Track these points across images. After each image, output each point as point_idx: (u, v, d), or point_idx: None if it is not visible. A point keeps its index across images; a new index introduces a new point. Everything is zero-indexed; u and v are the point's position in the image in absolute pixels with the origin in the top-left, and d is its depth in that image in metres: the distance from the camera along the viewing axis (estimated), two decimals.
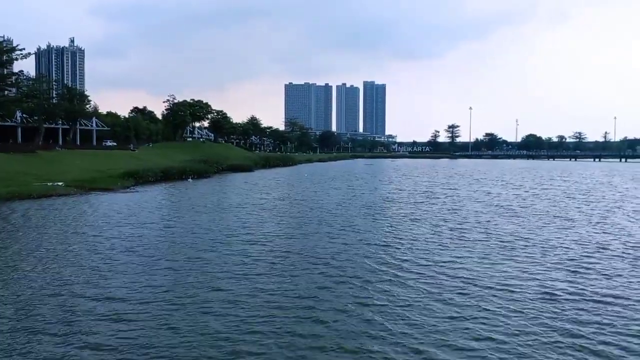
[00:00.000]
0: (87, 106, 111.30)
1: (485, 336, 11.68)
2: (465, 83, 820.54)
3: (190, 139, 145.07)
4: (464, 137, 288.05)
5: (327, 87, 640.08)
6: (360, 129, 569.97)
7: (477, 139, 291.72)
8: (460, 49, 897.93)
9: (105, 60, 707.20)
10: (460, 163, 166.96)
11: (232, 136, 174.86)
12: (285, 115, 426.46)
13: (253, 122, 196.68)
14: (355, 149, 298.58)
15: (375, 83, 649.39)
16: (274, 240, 23.33)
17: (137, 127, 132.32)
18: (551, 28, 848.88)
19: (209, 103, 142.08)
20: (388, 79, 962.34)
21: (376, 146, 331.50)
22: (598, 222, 29.32)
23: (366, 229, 26.98)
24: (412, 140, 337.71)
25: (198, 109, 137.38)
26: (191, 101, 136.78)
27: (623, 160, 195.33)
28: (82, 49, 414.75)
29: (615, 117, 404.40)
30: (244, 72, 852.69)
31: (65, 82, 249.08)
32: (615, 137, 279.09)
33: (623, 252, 20.70)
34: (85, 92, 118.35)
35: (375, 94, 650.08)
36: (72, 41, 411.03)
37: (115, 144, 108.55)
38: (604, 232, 25.77)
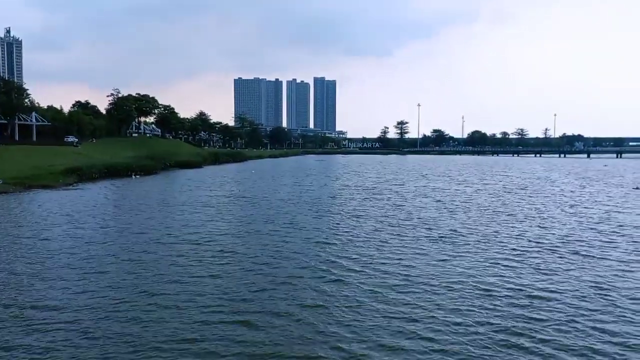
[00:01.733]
0: (26, 100, 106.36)
1: (422, 335, 11.85)
2: (413, 80, 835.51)
3: (136, 134, 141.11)
4: (412, 133, 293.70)
5: (278, 83, 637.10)
6: (311, 125, 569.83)
7: (425, 135, 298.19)
8: (409, 46, 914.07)
9: (45, 52, 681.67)
10: (408, 159, 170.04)
11: (180, 132, 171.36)
12: (234, 110, 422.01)
13: (202, 118, 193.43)
14: (306, 145, 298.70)
15: (326, 79, 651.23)
16: (216, 240, 22.96)
17: (79, 122, 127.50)
18: (494, 28, 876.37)
19: (156, 98, 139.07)
20: (338, 75, 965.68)
21: (327, 142, 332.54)
22: (535, 217, 30.38)
23: (310, 226, 26.98)
24: (362, 137, 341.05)
25: (144, 103, 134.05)
26: (137, 95, 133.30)
27: (562, 155, 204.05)
28: (20, 40, 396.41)
29: (555, 115, 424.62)
30: (192, 67, 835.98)
31: (2, 74, 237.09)
32: (555, 133, 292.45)
33: (556, 247, 21.45)
34: (24, 86, 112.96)
35: (326, 90, 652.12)
36: (8, 32, 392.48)
37: (77, 139, 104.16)
38: (539, 227, 26.67)
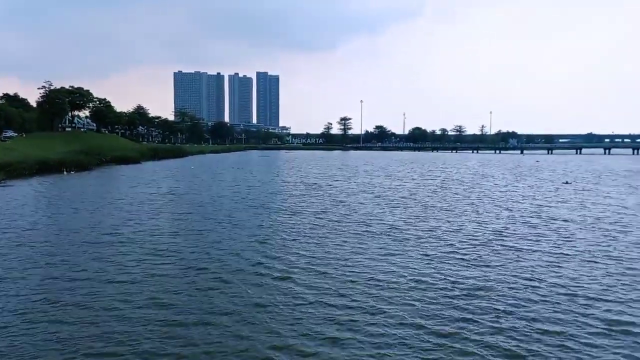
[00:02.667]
0: None
1: (361, 329, 11.78)
2: (357, 76, 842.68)
3: (70, 128, 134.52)
4: (355, 129, 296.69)
5: (220, 77, 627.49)
6: (254, 120, 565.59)
7: (367, 132, 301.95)
8: (352, 42, 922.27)
9: None
10: (351, 155, 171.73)
11: (116, 126, 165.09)
12: (174, 105, 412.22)
13: (140, 112, 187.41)
14: (249, 140, 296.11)
15: (269, 74, 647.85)
16: (153, 239, 22.16)
17: (8, 116, 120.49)
18: (437, 26, 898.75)
19: (91, 91, 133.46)
20: (282, 70, 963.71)
21: (270, 138, 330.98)
22: (471, 212, 31.18)
23: (250, 223, 26.52)
24: (305, 132, 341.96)
25: (78, 96, 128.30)
26: (70, 88, 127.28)
27: (497, 152, 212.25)
28: None
29: (490, 112, 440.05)
30: (128, 59, 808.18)
31: None
32: (491, 130, 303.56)
33: (491, 241, 22.03)
34: None
35: (269, 85, 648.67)
36: None
37: (16, 134, 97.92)
38: (475, 222, 27.35)
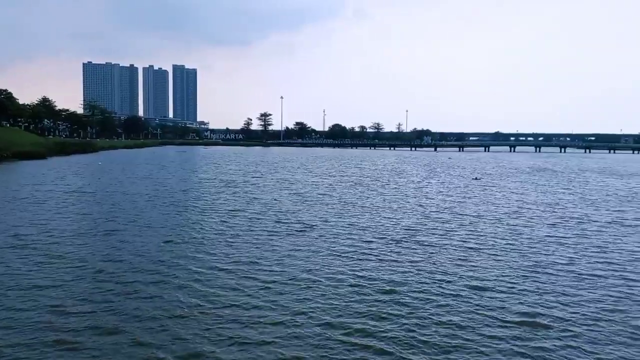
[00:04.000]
0: None
1: (265, 330, 11.17)
2: (277, 72, 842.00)
3: None
4: (276, 125, 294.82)
5: (133, 69, 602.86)
6: (171, 115, 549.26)
7: (288, 128, 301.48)
8: (273, 37, 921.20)
9: None
10: (272, 151, 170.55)
11: (19, 119, 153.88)
12: (84, 97, 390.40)
13: (45, 104, 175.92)
14: (165, 135, 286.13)
15: (186, 67, 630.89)
16: (54, 242, 20.26)
17: None
18: (355, 25, 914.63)
19: None
20: (200, 64, 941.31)
21: (188, 133, 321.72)
22: (385, 208, 31.44)
23: (159, 224, 25.03)
24: (225, 128, 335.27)
25: None
26: None
27: (413, 149, 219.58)
28: None
29: (407, 111, 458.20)
30: (34, 50, 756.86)
31: None
32: (407, 128, 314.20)
33: (402, 238, 22.14)
34: None
35: (186, 78, 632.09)
36: None
37: None
38: (388, 218, 27.53)
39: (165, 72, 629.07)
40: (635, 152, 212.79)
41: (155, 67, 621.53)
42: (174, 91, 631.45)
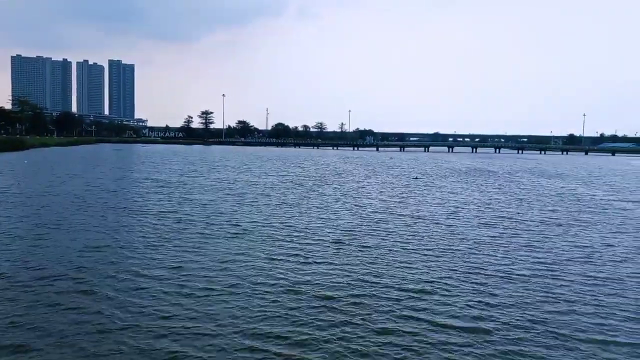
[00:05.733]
0: None
1: (203, 333, 10.28)
2: (219, 70, 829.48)
3: None
4: (218, 124, 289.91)
5: (66, 63, 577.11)
6: (107, 112, 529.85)
7: (230, 127, 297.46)
8: (215, 35, 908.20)
9: None
10: (213, 150, 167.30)
11: None
12: (12, 92, 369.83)
13: None
14: (101, 132, 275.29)
15: (123, 62, 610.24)
16: None
17: None
18: (300, 24, 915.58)
19: None
20: (138, 59, 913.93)
21: (125, 130, 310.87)
22: (323, 209, 30.98)
23: (82, 226, 23.41)
24: (165, 125, 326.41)
25: None
26: None
27: (355, 149, 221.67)
28: None
29: (350, 111, 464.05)
30: None
31: None
32: (350, 127, 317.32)
33: (339, 240, 21.69)
34: None
35: (123, 74, 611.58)
36: None
37: None
38: (325, 219, 27.08)
39: (101, 67, 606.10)
40: (564, 152, 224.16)
41: (90, 62, 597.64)
42: (110, 87, 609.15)
